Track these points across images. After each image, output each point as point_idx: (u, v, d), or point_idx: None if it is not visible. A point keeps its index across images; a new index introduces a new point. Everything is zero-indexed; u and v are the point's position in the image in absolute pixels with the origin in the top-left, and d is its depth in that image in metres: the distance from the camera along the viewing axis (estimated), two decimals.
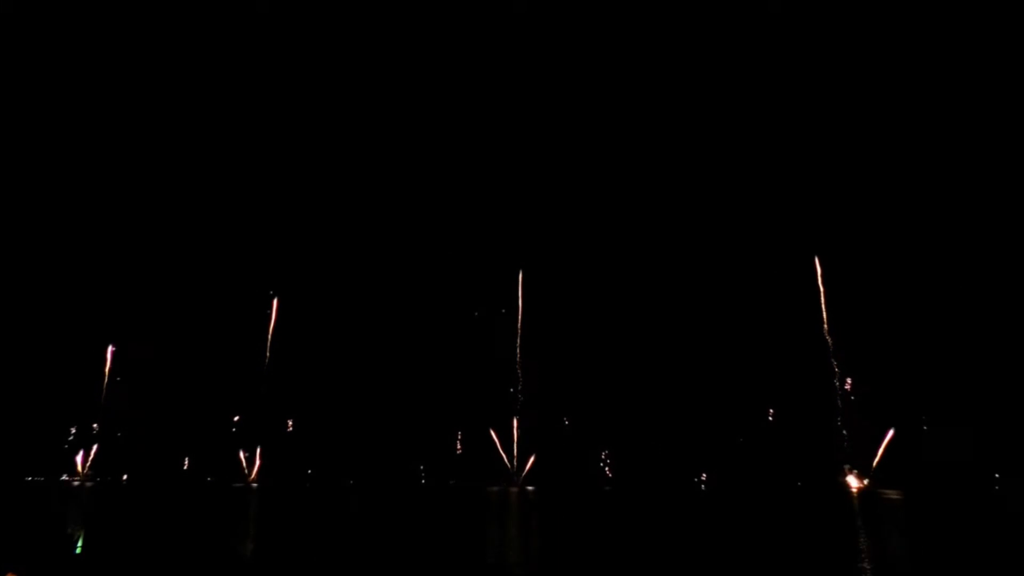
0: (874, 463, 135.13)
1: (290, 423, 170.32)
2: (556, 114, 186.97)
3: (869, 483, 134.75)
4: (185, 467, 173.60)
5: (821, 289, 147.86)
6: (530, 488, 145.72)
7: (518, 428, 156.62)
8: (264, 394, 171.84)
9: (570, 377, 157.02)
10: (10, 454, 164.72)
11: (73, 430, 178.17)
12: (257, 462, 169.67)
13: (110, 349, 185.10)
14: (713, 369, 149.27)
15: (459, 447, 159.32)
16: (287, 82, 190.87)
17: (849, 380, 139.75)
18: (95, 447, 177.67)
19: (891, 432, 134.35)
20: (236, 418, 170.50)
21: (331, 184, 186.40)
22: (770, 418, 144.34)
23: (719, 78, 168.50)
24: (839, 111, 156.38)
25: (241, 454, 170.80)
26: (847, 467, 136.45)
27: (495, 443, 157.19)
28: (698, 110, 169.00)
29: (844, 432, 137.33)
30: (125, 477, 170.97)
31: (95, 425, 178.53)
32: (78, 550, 26.54)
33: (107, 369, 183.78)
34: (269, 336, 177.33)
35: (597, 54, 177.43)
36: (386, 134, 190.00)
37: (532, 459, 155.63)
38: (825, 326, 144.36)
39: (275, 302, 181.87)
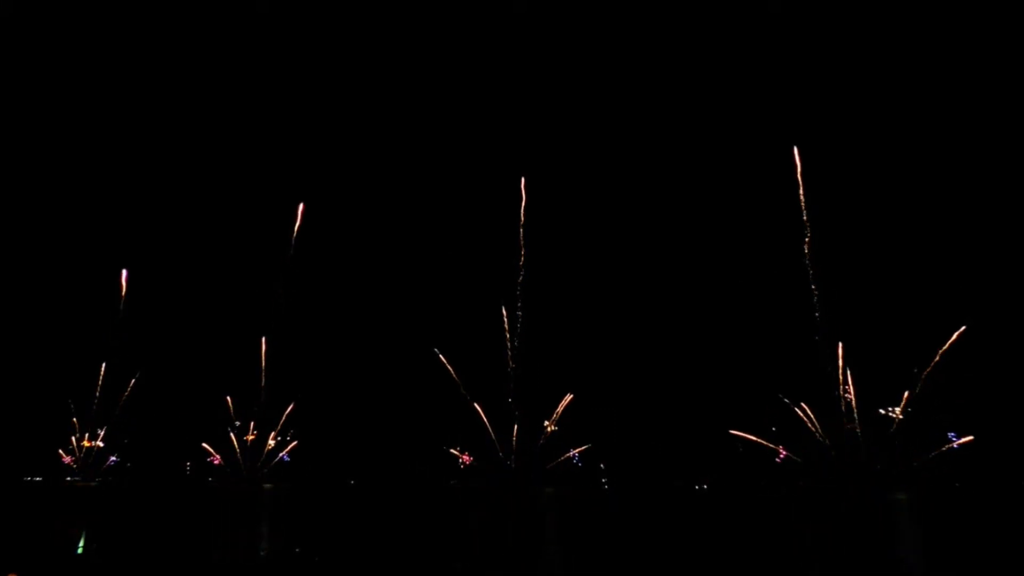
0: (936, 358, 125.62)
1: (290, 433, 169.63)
2: (556, 32, 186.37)
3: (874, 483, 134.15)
4: (188, 470, 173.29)
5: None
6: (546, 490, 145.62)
7: (517, 430, 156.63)
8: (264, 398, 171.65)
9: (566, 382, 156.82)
10: (10, 454, 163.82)
11: (75, 435, 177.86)
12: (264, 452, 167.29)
13: (124, 273, 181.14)
14: (711, 370, 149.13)
15: (458, 454, 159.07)
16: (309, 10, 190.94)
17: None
18: (97, 440, 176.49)
19: (963, 328, 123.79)
20: (237, 423, 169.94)
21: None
22: (777, 448, 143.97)
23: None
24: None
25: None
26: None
27: (494, 444, 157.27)
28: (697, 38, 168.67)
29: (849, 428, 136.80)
30: (126, 483, 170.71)
31: (99, 431, 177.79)
32: (79, 550, 26.77)
33: (122, 296, 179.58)
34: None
35: None
36: (398, 56, 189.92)
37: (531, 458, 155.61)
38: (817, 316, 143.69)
39: (299, 208, 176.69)
